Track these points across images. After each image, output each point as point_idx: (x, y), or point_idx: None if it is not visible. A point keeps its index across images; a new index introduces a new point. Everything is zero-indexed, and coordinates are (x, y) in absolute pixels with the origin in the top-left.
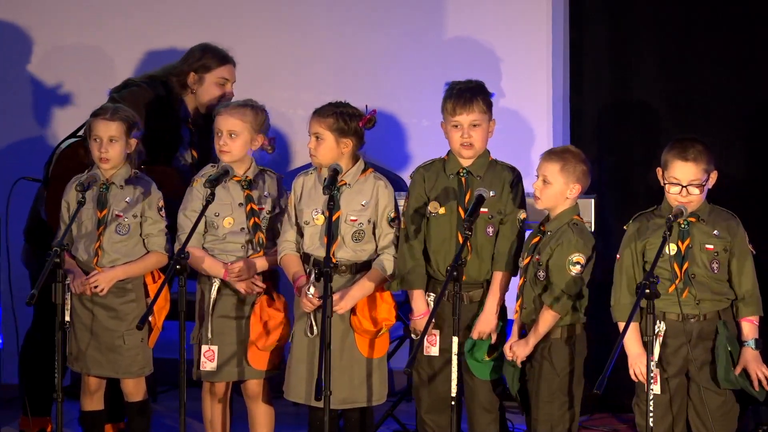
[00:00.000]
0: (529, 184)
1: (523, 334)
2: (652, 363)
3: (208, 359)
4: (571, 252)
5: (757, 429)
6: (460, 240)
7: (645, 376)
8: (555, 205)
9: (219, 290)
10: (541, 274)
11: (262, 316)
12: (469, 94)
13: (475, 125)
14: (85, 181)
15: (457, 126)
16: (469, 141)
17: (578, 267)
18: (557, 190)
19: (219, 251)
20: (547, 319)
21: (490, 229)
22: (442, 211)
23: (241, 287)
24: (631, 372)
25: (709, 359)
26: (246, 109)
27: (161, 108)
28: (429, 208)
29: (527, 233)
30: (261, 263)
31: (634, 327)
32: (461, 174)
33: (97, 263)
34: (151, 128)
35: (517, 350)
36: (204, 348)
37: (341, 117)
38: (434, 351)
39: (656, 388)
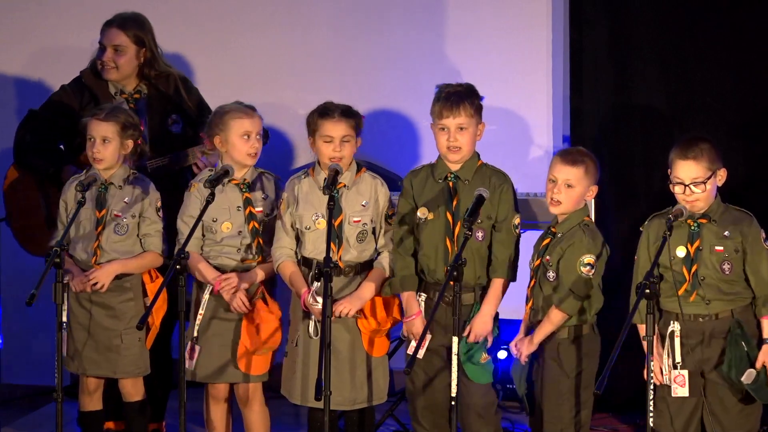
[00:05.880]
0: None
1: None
2: (668, 362)
3: (189, 357)
4: (582, 253)
5: (759, 429)
6: (448, 246)
7: (662, 378)
8: (576, 208)
9: (212, 292)
10: (551, 275)
11: (255, 319)
12: (455, 98)
13: (461, 129)
14: (85, 181)
15: (443, 129)
16: (456, 145)
17: (589, 268)
18: (580, 193)
19: (216, 255)
20: (554, 318)
21: (479, 234)
22: (431, 216)
23: (231, 302)
24: (655, 378)
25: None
26: (256, 111)
27: None
28: (418, 213)
29: (532, 233)
30: (261, 274)
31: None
32: (449, 179)
33: (95, 262)
34: None
35: (522, 347)
36: (188, 345)
37: (358, 116)
38: (419, 353)
39: (682, 391)
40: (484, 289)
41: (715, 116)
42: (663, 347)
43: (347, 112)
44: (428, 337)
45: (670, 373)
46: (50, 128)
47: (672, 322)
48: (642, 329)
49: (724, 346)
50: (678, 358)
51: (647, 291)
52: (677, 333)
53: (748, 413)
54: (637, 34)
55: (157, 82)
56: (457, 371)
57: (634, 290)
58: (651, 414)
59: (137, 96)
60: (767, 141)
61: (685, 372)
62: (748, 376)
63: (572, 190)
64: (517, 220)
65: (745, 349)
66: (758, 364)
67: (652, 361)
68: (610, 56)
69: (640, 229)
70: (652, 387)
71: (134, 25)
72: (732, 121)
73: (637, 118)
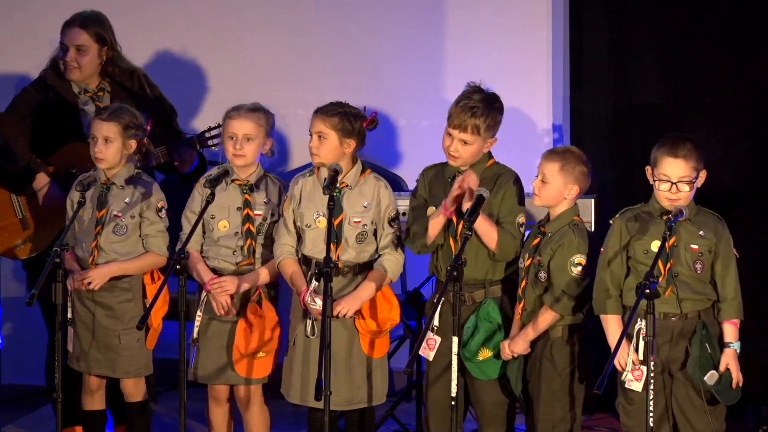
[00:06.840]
0: (530, 185)
1: None
2: (639, 360)
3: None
4: (572, 253)
5: (757, 429)
6: (451, 244)
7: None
8: (553, 205)
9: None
10: (542, 275)
11: (248, 323)
12: (469, 114)
13: (464, 143)
14: (85, 181)
15: (449, 134)
16: (454, 154)
17: (579, 268)
18: (555, 190)
19: (212, 254)
20: (546, 318)
21: None
22: None
23: (218, 304)
24: (616, 362)
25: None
26: (260, 113)
27: None
28: (428, 212)
29: (526, 233)
30: (264, 275)
31: (617, 320)
32: (457, 177)
33: (92, 262)
34: None
35: (514, 346)
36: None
37: (346, 117)
38: (428, 355)
39: (636, 385)
40: (502, 283)
41: (715, 116)
42: (629, 343)
43: (326, 110)
44: (432, 337)
45: (632, 370)
46: (16, 130)
47: (639, 319)
48: (605, 320)
49: (688, 346)
50: (641, 356)
51: (647, 291)
52: (643, 331)
53: (717, 414)
54: (637, 34)
55: (122, 80)
56: (461, 370)
57: (608, 282)
58: (651, 414)
59: (101, 93)
60: (767, 141)
61: (644, 368)
62: (710, 378)
63: (547, 185)
64: (521, 219)
65: (709, 350)
66: (722, 367)
67: (652, 360)
68: (610, 56)
69: (610, 222)
70: (631, 386)
71: (95, 23)
72: (732, 121)
73: (637, 118)
